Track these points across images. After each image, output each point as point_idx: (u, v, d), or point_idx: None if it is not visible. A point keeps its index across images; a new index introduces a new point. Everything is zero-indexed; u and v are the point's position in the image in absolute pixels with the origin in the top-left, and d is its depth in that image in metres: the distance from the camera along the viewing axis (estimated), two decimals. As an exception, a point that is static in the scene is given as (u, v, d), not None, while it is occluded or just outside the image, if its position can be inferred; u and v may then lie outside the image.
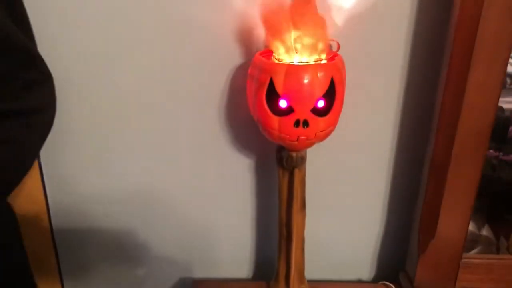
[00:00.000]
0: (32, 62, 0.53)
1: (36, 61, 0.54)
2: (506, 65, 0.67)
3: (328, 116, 0.67)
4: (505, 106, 0.90)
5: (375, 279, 0.96)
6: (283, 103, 0.65)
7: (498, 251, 0.91)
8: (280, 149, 0.73)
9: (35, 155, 0.57)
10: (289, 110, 0.65)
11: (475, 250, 0.88)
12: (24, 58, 0.52)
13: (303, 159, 0.73)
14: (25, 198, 0.84)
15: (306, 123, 0.65)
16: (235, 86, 0.78)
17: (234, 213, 0.90)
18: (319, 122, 0.66)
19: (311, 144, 0.70)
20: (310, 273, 0.87)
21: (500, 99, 0.69)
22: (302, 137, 0.67)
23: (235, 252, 0.94)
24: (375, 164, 0.85)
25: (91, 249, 0.92)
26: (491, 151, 0.97)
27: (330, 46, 0.71)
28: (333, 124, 0.69)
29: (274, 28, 0.67)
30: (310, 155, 0.75)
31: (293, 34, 0.66)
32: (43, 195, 0.86)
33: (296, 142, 0.68)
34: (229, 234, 0.92)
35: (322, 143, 0.72)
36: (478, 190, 0.94)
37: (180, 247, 0.93)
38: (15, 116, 0.51)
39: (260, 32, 0.74)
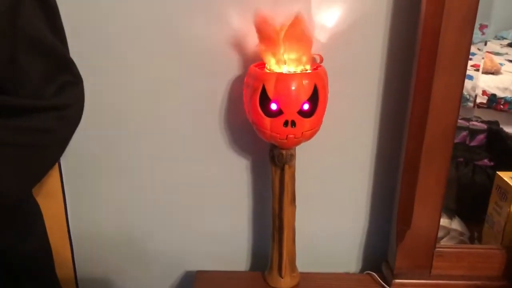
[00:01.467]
0: (67, 66, 0.64)
1: (71, 66, 0.65)
2: (465, 71, 0.78)
3: (312, 117, 0.77)
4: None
5: (362, 272, 1.05)
6: (273, 106, 0.76)
7: (471, 242, 1.01)
8: (272, 147, 0.84)
9: (66, 144, 0.67)
10: (279, 112, 0.76)
11: (445, 239, 0.98)
12: (61, 63, 0.63)
13: (292, 156, 0.83)
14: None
15: (293, 123, 0.76)
16: (233, 94, 0.89)
17: (233, 210, 0.99)
18: (305, 123, 0.77)
19: (299, 142, 0.80)
20: (300, 267, 0.96)
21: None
22: (291, 136, 0.78)
23: (235, 246, 1.03)
24: (357, 163, 0.95)
25: (103, 243, 1.02)
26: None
27: (314, 59, 0.82)
28: (318, 124, 0.80)
29: (267, 43, 0.79)
30: (299, 156, 0.85)
31: (283, 48, 0.77)
32: (62, 192, 0.97)
33: (285, 140, 0.78)
34: (229, 230, 1.01)
35: (309, 143, 0.82)
36: (455, 193, 1.04)
37: (186, 243, 1.02)
38: (50, 110, 0.61)
39: (255, 47, 0.85)
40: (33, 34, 0.59)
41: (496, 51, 1.17)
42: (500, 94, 1.11)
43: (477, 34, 0.94)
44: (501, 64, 1.13)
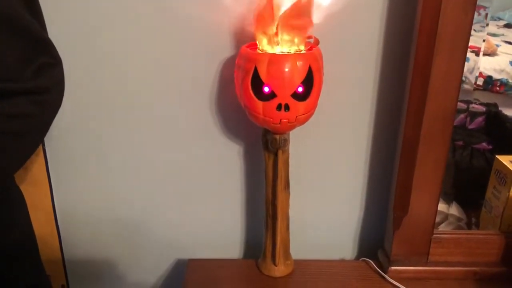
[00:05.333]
0: (45, 48, 0.61)
1: (49, 47, 0.61)
2: (466, 54, 0.75)
3: (307, 101, 0.74)
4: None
5: (357, 259, 1.03)
6: (266, 89, 0.72)
7: (469, 228, 0.99)
8: (265, 132, 0.81)
9: (46, 130, 0.64)
10: (272, 95, 0.73)
11: (442, 225, 0.96)
12: (39, 44, 0.60)
13: (286, 141, 0.80)
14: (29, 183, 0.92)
15: (287, 107, 0.73)
16: (223, 76, 0.85)
17: (226, 197, 0.97)
18: (299, 106, 0.74)
19: (292, 127, 0.77)
20: (295, 254, 0.94)
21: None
22: (284, 120, 0.74)
23: (227, 234, 1.00)
24: (353, 148, 0.92)
25: (92, 231, 0.99)
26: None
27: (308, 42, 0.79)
28: (312, 108, 0.77)
29: (258, 22, 0.75)
30: (292, 141, 0.83)
31: (275, 27, 0.74)
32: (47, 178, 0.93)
33: (279, 125, 0.75)
34: (221, 217, 0.99)
35: (303, 128, 0.79)
36: (453, 177, 1.02)
37: (177, 230, 0.99)
38: (28, 94, 0.58)
39: (246, 28, 0.81)
40: (7, 12, 0.56)
41: (493, 32, 1.14)
42: (496, 76, 1.08)
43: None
44: (497, 45, 1.11)
